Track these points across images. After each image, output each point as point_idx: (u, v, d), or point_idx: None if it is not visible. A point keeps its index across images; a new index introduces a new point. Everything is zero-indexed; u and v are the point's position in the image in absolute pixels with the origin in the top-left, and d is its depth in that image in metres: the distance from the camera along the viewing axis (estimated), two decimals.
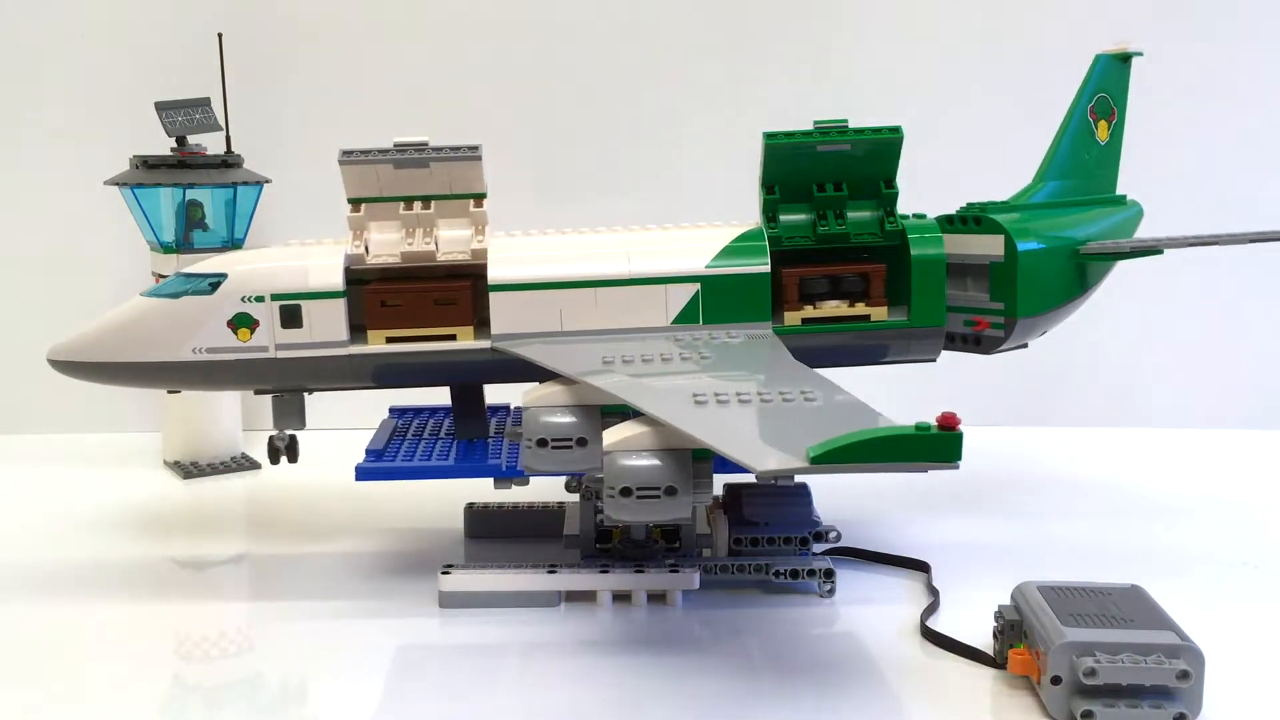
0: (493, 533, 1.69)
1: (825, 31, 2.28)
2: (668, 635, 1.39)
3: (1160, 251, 1.66)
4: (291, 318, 1.46)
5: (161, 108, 1.99)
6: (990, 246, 1.56)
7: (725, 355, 1.43)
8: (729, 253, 1.52)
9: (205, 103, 2.02)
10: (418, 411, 1.76)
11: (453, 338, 1.49)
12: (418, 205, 1.49)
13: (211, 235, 2.03)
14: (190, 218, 2.01)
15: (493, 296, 1.48)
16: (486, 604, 1.45)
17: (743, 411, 1.23)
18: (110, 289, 2.30)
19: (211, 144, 2.03)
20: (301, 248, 1.52)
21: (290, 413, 1.56)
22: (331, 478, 1.73)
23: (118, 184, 1.99)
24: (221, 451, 2.11)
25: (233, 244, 2.03)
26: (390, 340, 1.48)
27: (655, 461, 1.24)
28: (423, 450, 1.57)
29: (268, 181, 2.04)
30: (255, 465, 2.08)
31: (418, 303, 1.48)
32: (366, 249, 1.48)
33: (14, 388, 2.32)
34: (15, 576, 1.60)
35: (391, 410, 1.75)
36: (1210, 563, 1.61)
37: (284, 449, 1.57)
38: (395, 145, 1.46)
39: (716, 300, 1.51)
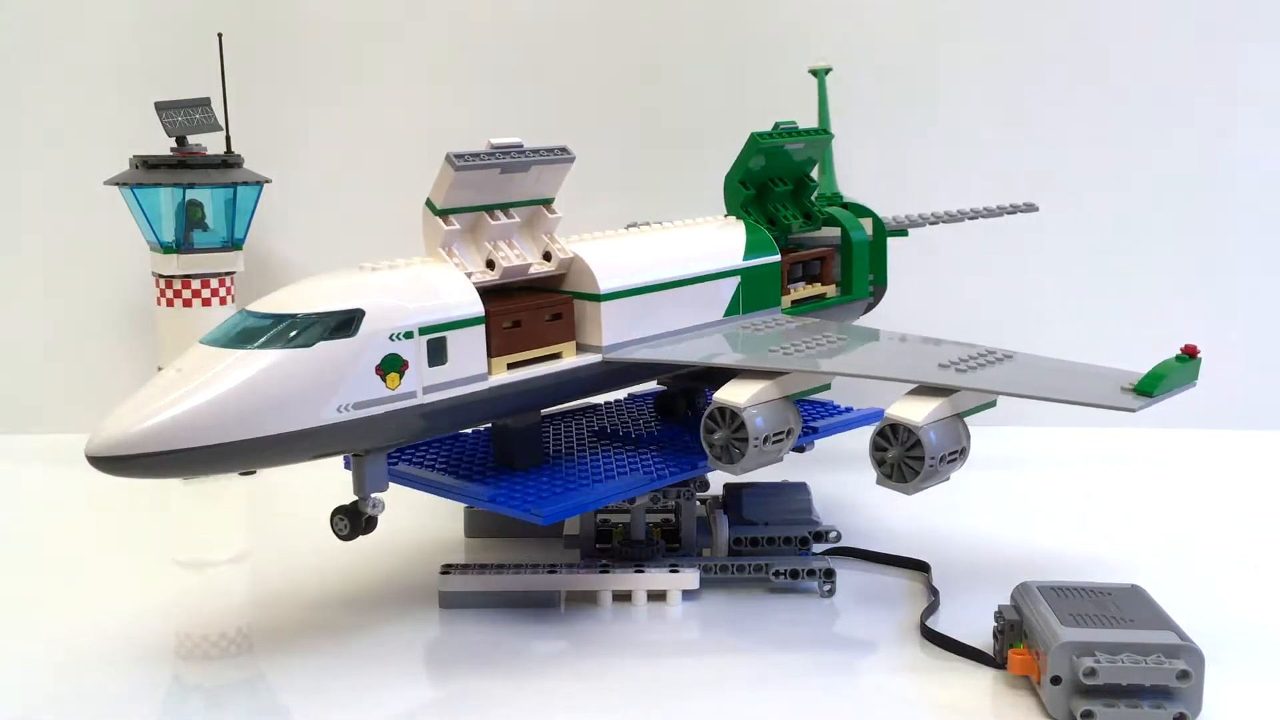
0: (493, 533, 1.69)
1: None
2: (668, 635, 1.39)
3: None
4: (438, 353, 1.25)
5: (161, 108, 1.99)
6: (864, 227, 1.79)
7: (848, 334, 1.52)
8: (752, 247, 1.60)
9: (205, 103, 2.02)
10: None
11: (558, 355, 1.39)
12: (501, 214, 1.37)
13: (211, 235, 2.03)
14: (190, 218, 2.01)
15: (604, 306, 1.40)
16: (486, 604, 1.44)
17: (1008, 370, 1.32)
18: (110, 289, 2.31)
19: (211, 144, 2.04)
20: (395, 271, 1.29)
21: (380, 472, 1.31)
22: (330, 477, 1.73)
23: (118, 184, 1.99)
24: None
25: (233, 244, 2.04)
26: (510, 367, 1.34)
27: (957, 428, 1.29)
28: (531, 480, 1.43)
29: (268, 181, 2.04)
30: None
31: (535, 321, 1.36)
32: (464, 266, 1.34)
33: (14, 388, 2.32)
34: (15, 577, 1.60)
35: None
36: (1210, 563, 1.61)
37: (366, 520, 1.33)
38: (494, 147, 1.32)
39: (750, 291, 1.59)
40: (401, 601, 1.48)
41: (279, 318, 1.19)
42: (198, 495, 1.98)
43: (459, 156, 1.29)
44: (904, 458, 1.26)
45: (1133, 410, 1.23)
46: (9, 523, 1.85)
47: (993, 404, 1.33)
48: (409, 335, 1.23)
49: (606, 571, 1.46)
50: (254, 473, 2.04)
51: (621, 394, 1.80)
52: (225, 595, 1.56)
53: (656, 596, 1.46)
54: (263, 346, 1.16)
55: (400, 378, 1.22)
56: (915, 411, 1.26)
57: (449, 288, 1.30)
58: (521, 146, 1.35)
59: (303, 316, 1.18)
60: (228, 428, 1.13)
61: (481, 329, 1.30)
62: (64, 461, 2.17)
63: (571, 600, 1.47)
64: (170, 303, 2.02)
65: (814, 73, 2.00)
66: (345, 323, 1.19)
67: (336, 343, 1.18)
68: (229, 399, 1.13)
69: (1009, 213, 2.06)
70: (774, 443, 1.34)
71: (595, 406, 1.77)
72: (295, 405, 1.16)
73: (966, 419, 1.31)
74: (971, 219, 2.04)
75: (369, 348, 1.20)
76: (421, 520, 1.75)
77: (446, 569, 1.46)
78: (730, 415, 1.32)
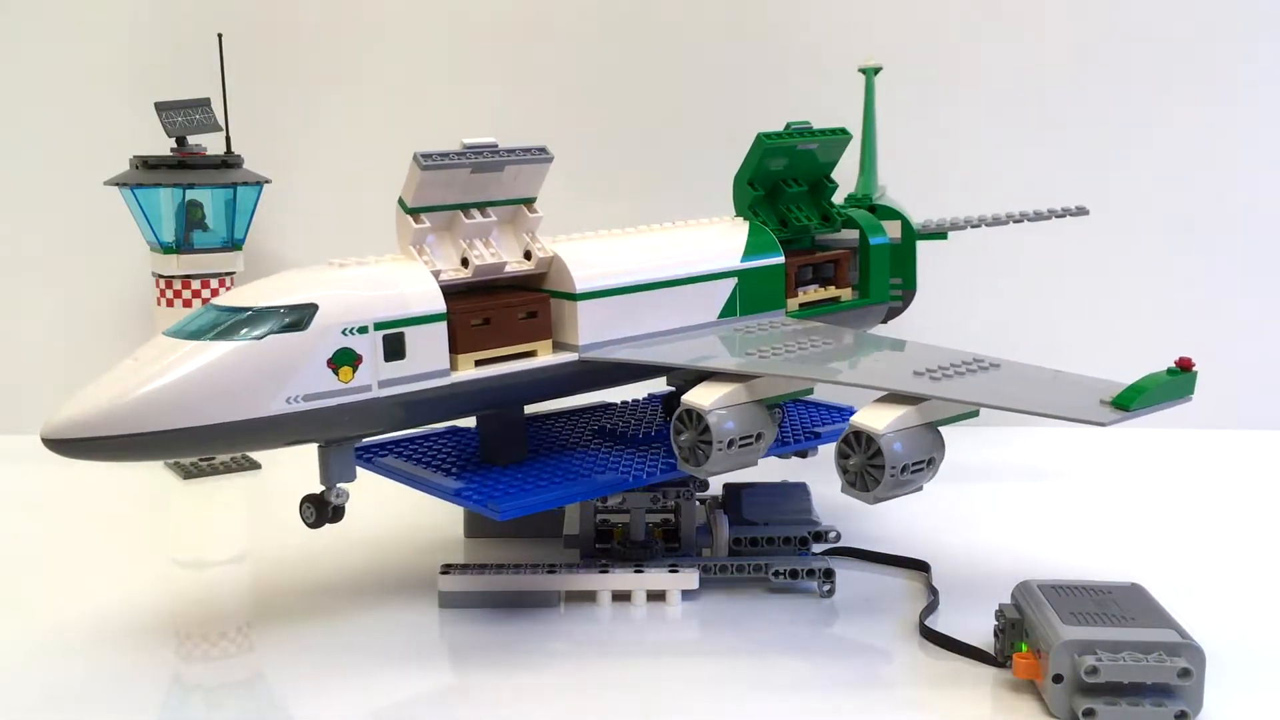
0: (492, 533, 1.69)
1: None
2: (667, 635, 1.39)
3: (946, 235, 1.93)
4: (395, 349, 1.27)
5: (161, 108, 1.99)
6: (891, 230, 1.76)
7: (842, 339, 1.49)
8: (753, 248, 1.59)
9: (205, 103, 2.02)
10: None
11: (534, 354, 1.40)
12: (476, 213, 1.38)
13: (211, 235, 2.03)
14: (190, 218, 2.01)
15: (581, 306, 1.41)
16: (486, 604, 1.44)
17: (986, 380, 1.30)
18: (110, 289, 2.31)
19: (211, 144, 2.03)
20: (362, 268, 1.32)
21: (346, 463, 1.35)
22: None
23: (118, 184, 1.99)
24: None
25: (233, 244, 2.03)
26: (479, 364, 1.35)
27: (926, 437, 1.26)
28: (507, 476, 1.44)
29: (268, 181, 2.04)
30: (255, 465, 2.08)
31: (506, 319, 1.37)
32: (434, 264, 1.35)
33: (14, 388, 2.32)
34: (15, 576, 1.60)
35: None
36: (1210, 562, 1.61)
37: (332, 510, 1.37)
38: (466, 147, 1.34)
39: (749, 293, 1.58)
40: (401, 601, 1.47)
41: (237, 311, 1.23)
42: (198, 495, 1.97)
43: (426, 156, 1.30)
44: (866, 466, 1.24)
45: (1103, 425, 1.19)
46: (9, 523, 1.85)
47: (975, 413, 1.30)
48: (363, 330, 1.25)
49: (606, 571, 1.46)
50: (259, 465, 2.05)
51: (640, 393, 1.80)
52: (225, 595, 1.56)
53: (656, 596, 1.46)
54: (216, 338, 1.20)
55: (354, 371, 1.25)
56: (878, 419, 1.24)
57: (411, 284, 1.31)
58: (495, 146, 1.35)
59: (258, 310, 1.22)
60: (174, 414, 1.17)
61: (443, 325, 1.31)
62: (64, 462, 2.16)
63: (571, 600, 1.47)
64: (170, 303, 2.02)
65: (863, 71, 1.98)
66: (298, 317, 1.22)
67: (287, 336, 1.21)
68: (176, 387, 1.17)
69: (1058, 216, 1.97)
70: (742, 446, 1.32)
71: (609, 405, 1.77)
72: (243, 395, 1.19)
73: (948, 427, 1.29)
74: (1016, 222, 1.96)
75: (321, 342, 1.23)
76: (421, 519, 1.75)
77: (446, 569, 1.46)
78: (697, 417, 1.31)
